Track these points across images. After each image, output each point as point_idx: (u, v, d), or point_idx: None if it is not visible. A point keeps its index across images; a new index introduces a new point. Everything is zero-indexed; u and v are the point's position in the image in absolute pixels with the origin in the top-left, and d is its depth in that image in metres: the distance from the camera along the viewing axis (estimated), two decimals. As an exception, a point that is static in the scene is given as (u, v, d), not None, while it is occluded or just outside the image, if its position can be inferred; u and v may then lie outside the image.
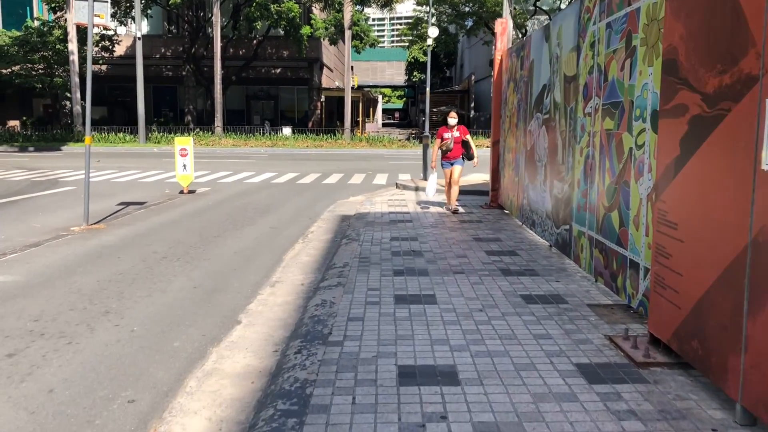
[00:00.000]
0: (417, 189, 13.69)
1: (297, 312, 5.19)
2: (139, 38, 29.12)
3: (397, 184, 14.69)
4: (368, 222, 9.39)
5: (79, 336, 4.71)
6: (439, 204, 11.12)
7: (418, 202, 11.86)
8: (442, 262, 6.63)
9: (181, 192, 12.97)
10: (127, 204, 11.44)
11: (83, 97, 32.82)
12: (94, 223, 9.28)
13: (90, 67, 9.02)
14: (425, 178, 15.17)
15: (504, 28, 11.00)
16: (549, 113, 7.30)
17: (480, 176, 15.89)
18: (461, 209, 10.34)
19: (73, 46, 29.39)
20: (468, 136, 10.19)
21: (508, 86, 10.00)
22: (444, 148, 10.09)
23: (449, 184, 10.31)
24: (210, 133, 31.82)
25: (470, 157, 10.25)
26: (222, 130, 31.55)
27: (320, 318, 4.77)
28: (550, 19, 38.38)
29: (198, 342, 4.66)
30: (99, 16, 8.77)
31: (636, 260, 4.73)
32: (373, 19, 41.34)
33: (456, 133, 10.02)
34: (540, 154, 7.72)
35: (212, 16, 31.31)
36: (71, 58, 29.57)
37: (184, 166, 12.61)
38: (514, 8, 31.48)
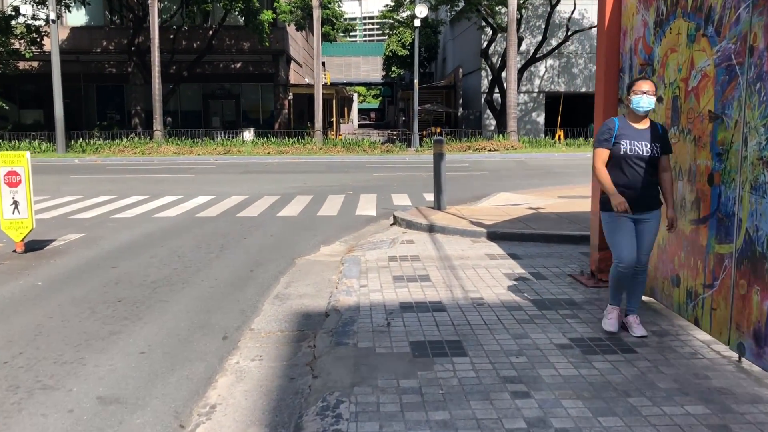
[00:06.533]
0: (432, 229, 8.20)
1: None
2: (53, 21, 23.14)
3: (395, 217, 9.20)
4: (359, 352, 3.92)
5: None
6: (499, 259, 5.71)
7: (444, 259, 6.40)
8: None
9: (14, 251, 7.18)
10: None
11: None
12: None
13: None
14: (438, 207, 9.68)
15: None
16: None
17: (512, 197, 10.37)
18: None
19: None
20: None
21: (659, 36, 4.61)
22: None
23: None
24: (149, 138, 25.87)
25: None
26: (162, 135, 25.55)
27: None
28: (551, 3, 32.99)
29: None
30: None
31: None
32: (344, 18, 36.11)
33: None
34: None
35: (153, -3, 25.39)
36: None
37: (15, 204, 6.84)
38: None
